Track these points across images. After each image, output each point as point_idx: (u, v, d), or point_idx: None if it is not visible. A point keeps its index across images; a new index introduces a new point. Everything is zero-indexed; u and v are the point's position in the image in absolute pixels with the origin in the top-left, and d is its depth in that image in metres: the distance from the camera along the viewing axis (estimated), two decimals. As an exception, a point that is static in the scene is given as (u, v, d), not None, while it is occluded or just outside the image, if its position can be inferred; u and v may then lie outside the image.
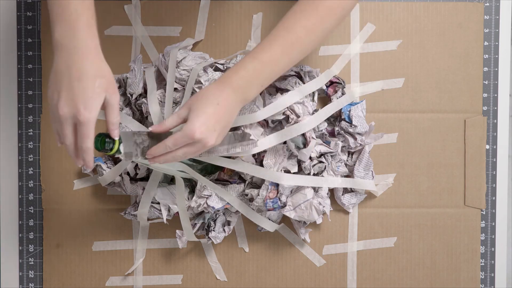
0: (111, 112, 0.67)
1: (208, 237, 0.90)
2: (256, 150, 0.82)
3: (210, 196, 0.88)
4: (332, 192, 0.94)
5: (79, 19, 0.63)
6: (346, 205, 0.94)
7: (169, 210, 0.90)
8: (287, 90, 0.90)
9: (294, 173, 0.88)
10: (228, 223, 0.92)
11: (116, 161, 0.92)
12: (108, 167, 0.89)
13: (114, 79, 0.69)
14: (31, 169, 0.95)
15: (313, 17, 0.71)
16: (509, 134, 0.98)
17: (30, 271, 0.95)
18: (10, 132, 0.95)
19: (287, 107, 0.86)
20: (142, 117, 0.92)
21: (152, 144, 0.76)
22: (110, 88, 0.66)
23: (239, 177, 0.91)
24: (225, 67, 0.90)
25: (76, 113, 0.62)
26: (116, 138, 0.69)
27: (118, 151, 0.72)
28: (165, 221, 0.90)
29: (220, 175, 0.91)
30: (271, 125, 0.88)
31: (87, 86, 0.63)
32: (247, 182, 0.91)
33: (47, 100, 0.65)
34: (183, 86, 0.89)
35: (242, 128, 0.84)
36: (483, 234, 0.96)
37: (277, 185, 0.87)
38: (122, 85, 0.92)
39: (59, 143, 0.66)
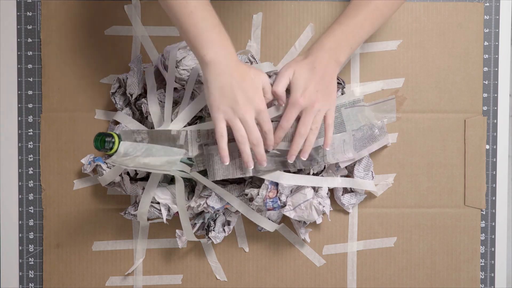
0: (267, 93, 0.78)
1: (208, 237, 0.90)
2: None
3: (210, 196, 0.88)
4: (332, 192, 0.94)
5: (226, 37, 0.73)
6: (345, 205, 0.94)
7: (169, 210, 0.90)
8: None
9: (294, 172, 0.88)
10: (228, 223, 0.92)
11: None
12: (108, 167, 0.89)
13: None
14: (31, 169, 0.95)
15: None
16: (509, 134, 0.98)
17: (30, 271, 0.95)
18: (10, 132, 0.95)
19: None
20: (142, 117, 0.92)
21: (152, 142, 0.76)
22: (259, 74, 0.77)
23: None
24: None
25: (257, 105, 0.74)
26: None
27: (117, 150, 0.72)
28: (165, 221, 0.90)
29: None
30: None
31: (251, 83, 0.74)
32: (247, 182, 0.91)
33: (216, 113, 0.74)
34: (183, 86, 0.89)
35: None
36: (483, 234, 0.96)
37: (277, 184, 0.87)
38: (122, 85, 0.92)
39: (227, 162, 0.77)
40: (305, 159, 0.81)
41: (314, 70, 0.77)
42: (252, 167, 0.78)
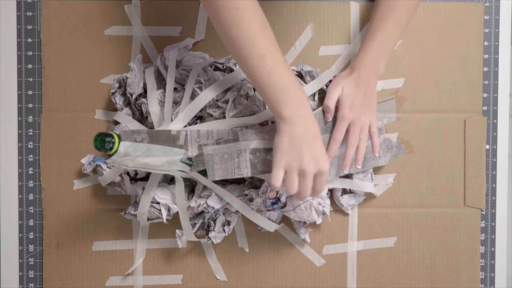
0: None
1: (208, 237, 0.91)
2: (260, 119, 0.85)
3: (210, 196, 0.88)
4: (331, 192, 0.94)
5: (303, 95, 0.76)
6: (344, 206, 0.94)
7: (169, 210, 0.90)
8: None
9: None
10: (228, 223, 0.92)
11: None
12: (108, 167, 0.89)
13: None
14: (31, 169, 0.95)
15: None
16: (509, 134, 0.98)
17: (30, 271, 0.95)
18: (10, 132, 0.95)
19: None
20: (142, 117, 0.92)
21: (152, 142, 0.76)
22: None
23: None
24: (224, 67, 0.90)
25: (321, 166, 0.76)
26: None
27: (117, 150, 0.72)
28: (165, 221, 0.90)
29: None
30: (271, 125, 0.88)
31: (321, 144, 0.77)
32: (247, 182, 0.91)
33: (279, 158, 0.76)
34: (183, 86, 0.89)
35: (244, 128, 0.84)
36: (483, 234, 0.96)
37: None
38: (122, 85, 0.92)
39: (284, 189, 0.83)
40: (359, 167, 0.87)
41: (358, 86, 0.84)
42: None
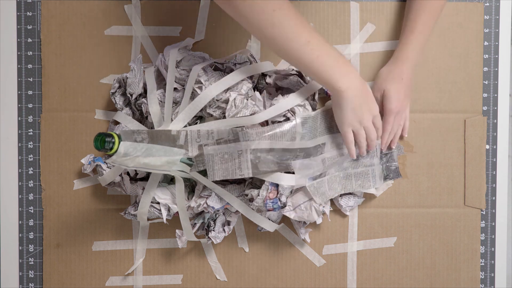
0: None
1: (208, 237, 0.90)
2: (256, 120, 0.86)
3: (210, 196, 0.88)
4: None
5: (349, 64, 0.82)
6: (343, 207, 0.93)
7: (169, 210, 0.90)
8: (288, 89, 0.90)
9: (294, 173, 0.88)
10: (228, 223, 0.92)
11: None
12: (108, 167, 0.89)
13: None
14: (31, 169, 0.95)
15: None
16: (509, 134, 0.98)
17: (30, 271, 0.95)
18: (10, 132, 0.95)
19: (288, 109, 0.86)
20: (142, 117, 0.92)
21: (152, 142, 0.76)
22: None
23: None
24: (224, 67, 0.90)
25: (374, 111, 0.86)
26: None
27: (117, 150, 0.72)
28: (165, 221, 0.90)
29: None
30: (272, 126, 0.88)
31: (372, 97, 0.86)
32: (247, 182, 0.91)
33: (347, 127, 0.85)
34: (183, 86, 0.89)
35: (244, 128, 0.84)
36: (483, 234, 0.96)
37: (277, 185, 0.87)
38: (122, 85, 0.92)
39: (354, 156, 0.88)
40: (394, 147, 0.94)
41: (401, 81, 0.89)
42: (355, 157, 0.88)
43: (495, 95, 0.96)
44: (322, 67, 0.80)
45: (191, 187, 0.91)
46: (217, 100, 0.87)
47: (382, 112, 0.90)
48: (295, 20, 0.76)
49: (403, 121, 0.93)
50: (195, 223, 0.92)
